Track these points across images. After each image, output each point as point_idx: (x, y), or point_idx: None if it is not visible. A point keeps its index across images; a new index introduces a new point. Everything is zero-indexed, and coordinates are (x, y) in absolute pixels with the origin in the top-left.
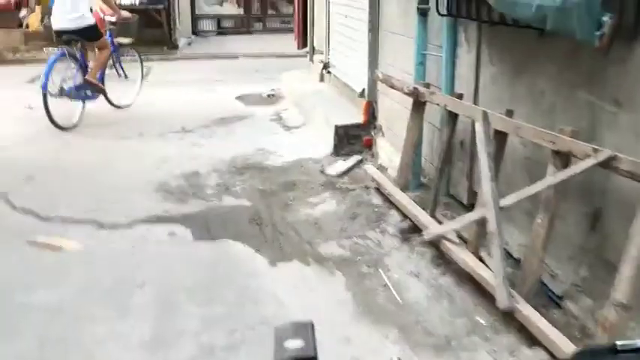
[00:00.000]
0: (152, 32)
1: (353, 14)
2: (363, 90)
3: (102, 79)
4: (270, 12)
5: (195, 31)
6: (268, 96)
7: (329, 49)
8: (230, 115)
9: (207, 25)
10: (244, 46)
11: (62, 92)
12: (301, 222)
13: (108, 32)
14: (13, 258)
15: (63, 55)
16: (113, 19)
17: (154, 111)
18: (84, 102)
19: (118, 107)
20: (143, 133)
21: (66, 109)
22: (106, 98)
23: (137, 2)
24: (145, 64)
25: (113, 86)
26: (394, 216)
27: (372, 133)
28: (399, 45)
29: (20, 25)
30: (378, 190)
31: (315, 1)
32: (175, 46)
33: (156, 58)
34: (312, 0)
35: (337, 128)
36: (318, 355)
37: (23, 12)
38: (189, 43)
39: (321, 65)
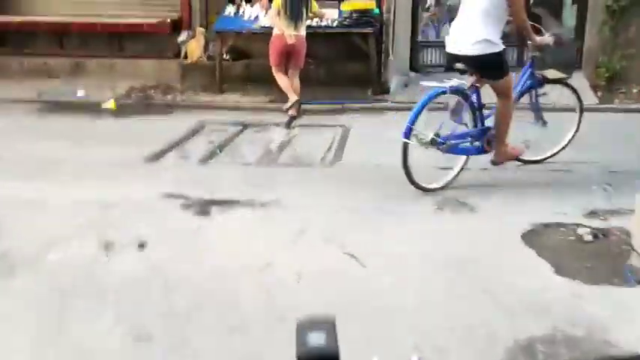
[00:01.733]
0: (351, 67)
1: None
2: None
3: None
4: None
5: (415, 66)
6: (595, 238)
7: None
8: (540, 333)
9: (432, 56)
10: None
11: (434, 142)
12: None
13: (528, 62)
14: None
15: (444, 92)
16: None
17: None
18: (467, 156)
19: (522, 162)
20: None
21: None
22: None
23: (334, 24)
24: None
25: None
26: None
27: None
28: None
29: (178, 55)
30: None
31: None
32: (384, 90)
33: (354, 107)
34: None
35: None
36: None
37: (182, 36)
38: (406, 85)
39: None
